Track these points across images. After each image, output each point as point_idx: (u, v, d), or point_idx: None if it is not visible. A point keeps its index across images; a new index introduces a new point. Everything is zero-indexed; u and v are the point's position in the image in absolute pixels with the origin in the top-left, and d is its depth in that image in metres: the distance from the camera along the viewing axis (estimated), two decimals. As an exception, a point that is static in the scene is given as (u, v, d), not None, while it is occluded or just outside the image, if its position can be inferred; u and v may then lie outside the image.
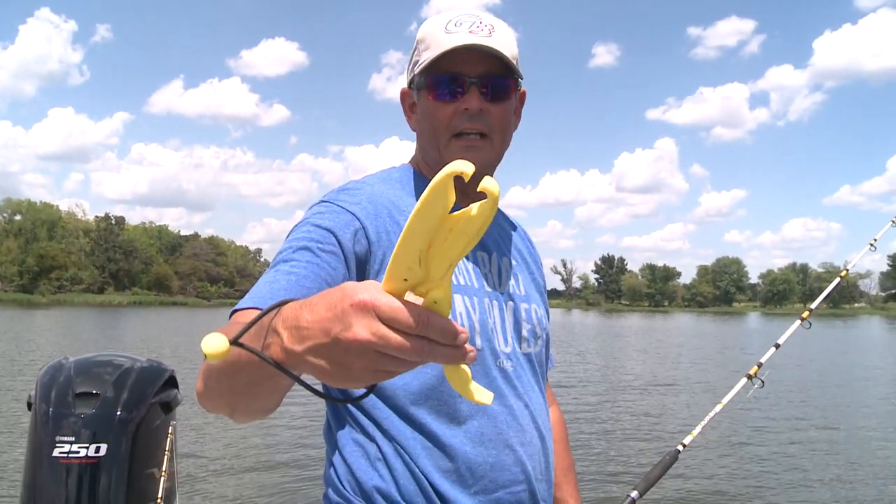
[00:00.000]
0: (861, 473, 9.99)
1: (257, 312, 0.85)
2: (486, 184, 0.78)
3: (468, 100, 1.43)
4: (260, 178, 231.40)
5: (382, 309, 0.74)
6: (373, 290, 0.75)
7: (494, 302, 1.48)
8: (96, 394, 2.79)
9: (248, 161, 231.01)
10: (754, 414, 13.85)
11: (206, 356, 0.75)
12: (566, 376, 20.58)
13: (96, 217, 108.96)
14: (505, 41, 1.44)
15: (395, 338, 0.73)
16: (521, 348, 1.53)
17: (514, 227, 1.75)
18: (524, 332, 1.55)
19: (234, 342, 0.78)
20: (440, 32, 1.44)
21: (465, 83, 1.43)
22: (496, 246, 1.59)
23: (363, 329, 0.74)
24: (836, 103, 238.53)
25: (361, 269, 1.35)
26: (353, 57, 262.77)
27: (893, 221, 2.38)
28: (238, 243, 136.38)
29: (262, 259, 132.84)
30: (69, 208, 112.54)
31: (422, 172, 1.57)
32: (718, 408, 1.75)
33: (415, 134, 1.60)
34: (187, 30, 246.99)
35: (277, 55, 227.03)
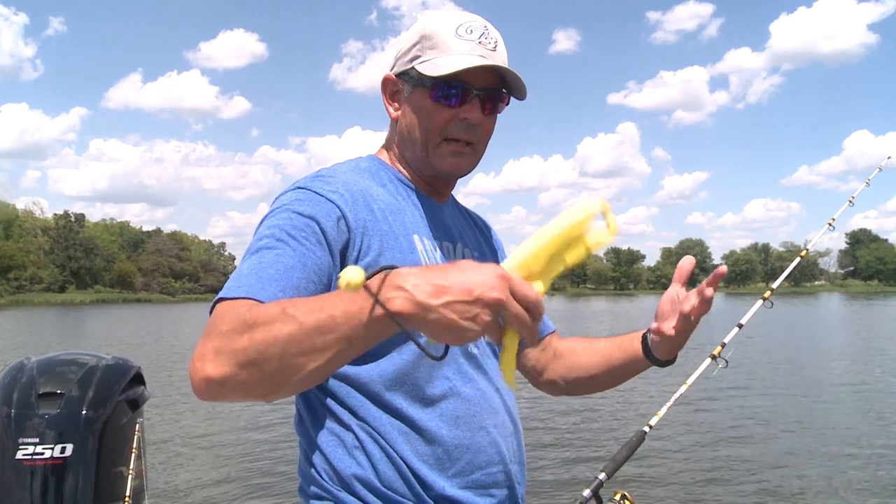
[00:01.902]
0: (825, 449, 10.20)
1: (250, 302, 1.13)
2: (613, 222, 1.10)
3: (469, 111, 1.45)
4: (222, 172, 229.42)
5: (516, 284, 1.01)
6: (507, 270, 1.03)
7: None
8: (60, 393, 2.74)
9: (210, 154, 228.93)
10: (719, 394, 14.09)
11: (347, 285, 0.95)
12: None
13: (55, 215, 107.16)
14: (504, 55, 1.49)
15: (519, 307, 1.00)
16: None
17: (474, 218, 1.77)
18: None
19: (368, 277, 0.98)
20: (451, 36, 1.44)
21: (469, 94, 1.44)
22: (459, 236, 1.61)
23: (502, 293, 0.98)
24: (794, 85, 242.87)
25: (342, 256, 1.34)
26: (313, 47, 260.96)
27: (850, 201, 2.42)
28: (202, 238, 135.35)
29: (226, 253, 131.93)
30: (26, 206, 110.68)
31: (392, 164, 1.56)
32: (683, 388, 1.77)
33: (388, 123, 1.58)
34: (144, 22, 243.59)
35: (237, 47, 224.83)
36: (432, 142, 1.47)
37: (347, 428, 1.38)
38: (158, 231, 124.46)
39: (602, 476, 1.57)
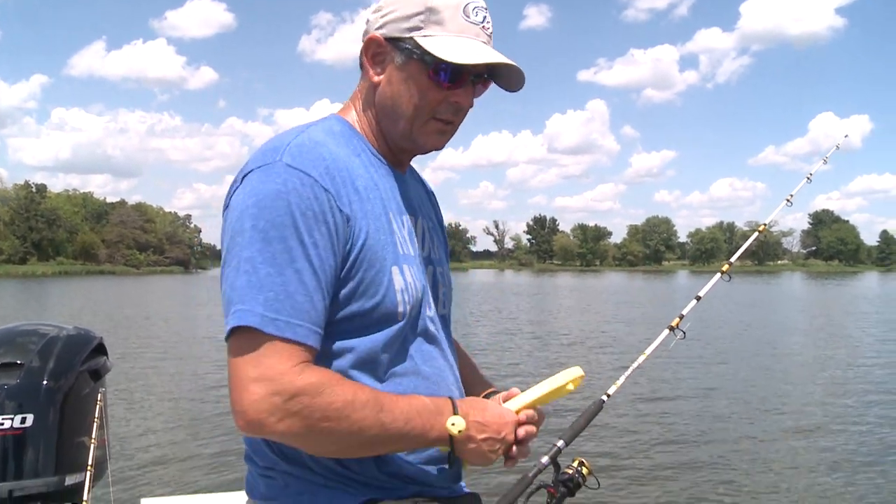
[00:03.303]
0: (779, 419, 10.46)
1: (301, 353, 1.25)
2: (574, 374, 1.53)
3: (462, 96, 1.43)
4: (188, 143, 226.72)
5: (522, 426, 1.46)
6: (514, 414, 1.46)
7: (422, 266, 1.49)
8: (20, 364, 2.71)
9: (176, 125, 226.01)
10: (679, 364, 14.32)
11: (459, 432, 1.34)
12: (497, 334, 20.87)
13: (15, 185, 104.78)
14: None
15: (529, 434, 1.46)
16: (437, 310, 1.54)
17: (426, 186, 1.73)
18: (440, 295, 1.57)
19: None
20: (458, 15, 1.40)
21: (465, 79, 1.42)
22: (419, 209, 1.58)
23: (512, 437, 1.43)
24: (762, 66, 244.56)
25: (343, 245, 1.31)
26: (281, 18, 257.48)
27: (808, 178, 2.46)
28: (167, 209, 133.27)
29: (191, 225, 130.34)
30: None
31: (361, 130, 1.49)
32: (641, 359, 1.80)
33: (363, 88, 1.50)
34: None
35: (204, 16, 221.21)
36: (420, 119, 1.43)
37: None
38: (123, 202, 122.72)
39: (560, 443, 1.59)
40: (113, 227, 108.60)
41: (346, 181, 1.34)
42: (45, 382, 2.71)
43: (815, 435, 9.62)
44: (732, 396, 12.12)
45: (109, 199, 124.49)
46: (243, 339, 1.23)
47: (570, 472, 1.59)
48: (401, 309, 1.37)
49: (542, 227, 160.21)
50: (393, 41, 1.41)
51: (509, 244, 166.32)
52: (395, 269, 1.37)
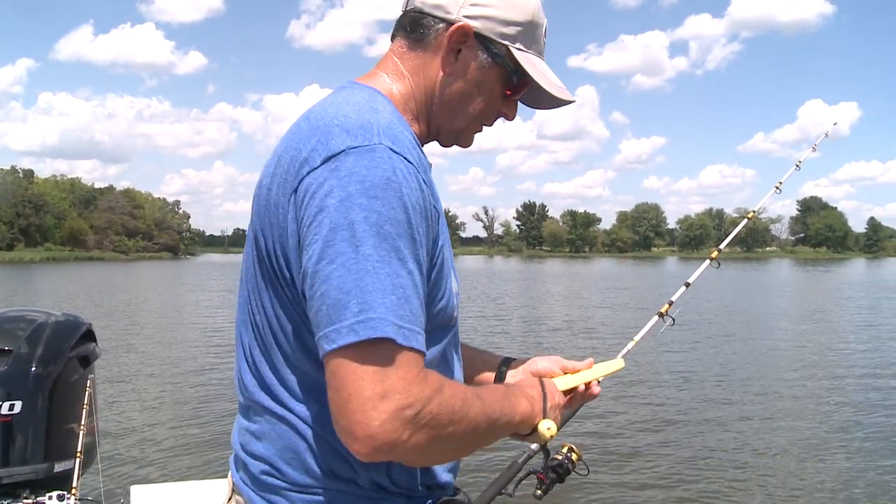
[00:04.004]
0: (766, 404, 10.52)
1: (419, 358, 1.11)
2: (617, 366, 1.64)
3: (511, 111, 1.45)
4: (177, 128, 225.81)
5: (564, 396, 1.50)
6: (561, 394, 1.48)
7: None
8: (8, 350, 2.70)
9: (165, 110, 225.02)
10: (669, 351, 14.40)
11: (552, 436, 1.39)
12: (485, 318, 20.89)
13: (1, 170, 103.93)
14: None
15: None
16: None
17: None
18: None
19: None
20: (541, 35, 1.40)
21: (522, 94, 1.43)
22: None
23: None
24: (752, 53, 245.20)
25: (434, 244, 1.20)
26: (270, 3, 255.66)
27: (797, 165, 2.47)
28: (156, 195, 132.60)
29: (180, 211, 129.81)
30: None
31: (402, 113, 1.33)
32: (630, 345, 1.80)
33: (417, 67, 1.36)
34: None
35: (193, 0, 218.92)
36: (476, 121, 1.41)
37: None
38: (111, 188, 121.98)
39: (550, 429, 1.59)
40: (101, 212, 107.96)
41: (428, 175, 1.22)
42: (33, 369, 2.70)
43: (804, 418, 9.71)
44: (721, 382, 12.21)
45: (98, 185, 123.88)
46: (368, 350, 1.06)
47: (560, 458, 1.59)
48: (455, 314, 1.32)
49: (531, 214, 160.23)
50: (482, 39, 1.32)
51: (499, 230, 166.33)
52: (452, 272, 1.31)
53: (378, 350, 1.07)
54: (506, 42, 1.33)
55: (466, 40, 1.31)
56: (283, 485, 1.27)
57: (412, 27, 1.35)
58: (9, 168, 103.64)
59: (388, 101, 1.30)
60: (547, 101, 1.44)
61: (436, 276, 1.21)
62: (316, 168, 1.13)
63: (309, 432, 1.20)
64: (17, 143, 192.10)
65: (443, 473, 1.37)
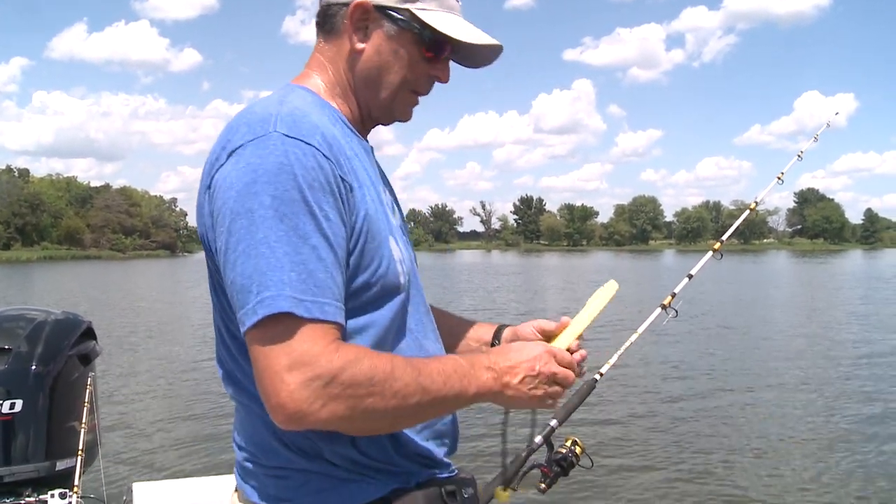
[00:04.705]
0: (770, 398, 10.54)
1: (331, 331, 1.16)
2: (612, 290, 1.63)
3: (443, 71, 1.44)
4: (173, 126, 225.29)
5: (560, 357, 1.39)
6: (551, 346, 1.41)
7: (406, 236, 1.48)
8: (8, 349, 2.70)
9: (160, 108, 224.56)
10: (670, 343, 14.41)
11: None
12: (483, 311, 20.91)
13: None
14: None
15: (567, 373, 1.39)
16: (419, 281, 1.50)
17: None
18: (415, 266, 1.52)
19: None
20: None
21: (447, 54, 1.43)
22: (384, 180, 1.52)
23: (554, 367, 1.37)
24: (748, 45, 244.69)
25: (350, 215, 1.25)
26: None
27: (799, 155, 2.46)
28: (152, 193, 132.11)
29: (177, 208, 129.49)
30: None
31: (328, 99, 1.41)
32: (634, 337, 1.80)
33: (334, 54, 1.42)
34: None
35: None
36: (402, 91, 1.42)
37: None
38: (107, 186, 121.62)
39: (553, 422, 1.60)
40: (98, 211, 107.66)
41: (340, 149, 1.27)
42: (33, 367, 2.70)
43: (809, 411, 9.72)
44: (724, 373, 12.23)
45: (94, 184, 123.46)
46: (270, 326, 1.13)
47: (564, 451, 1.59)
48: (402, 280, 1.34)
49: (528, 208, 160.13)
50: (382, 9, 1.37)
51: (496, 224, 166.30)
52: (391, 239, 1.34)
53: (280, 326, 1.13)
54: (406, 6, 1.36)
55: (368, 15, 1.37)
56: (261, 470, 1.33)
57: (324, 21, 1.43)
58: (4, 168, 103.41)
59: (309, 92, 1.39)
60: (479, 55, 1.47)
61: (363, 245, 1.26)
62: (223, 165, 1.22)
63: (269, 416, 1.21)
64: (12, 142, 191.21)
65: (422, 443, 1.37)
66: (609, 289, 1.60)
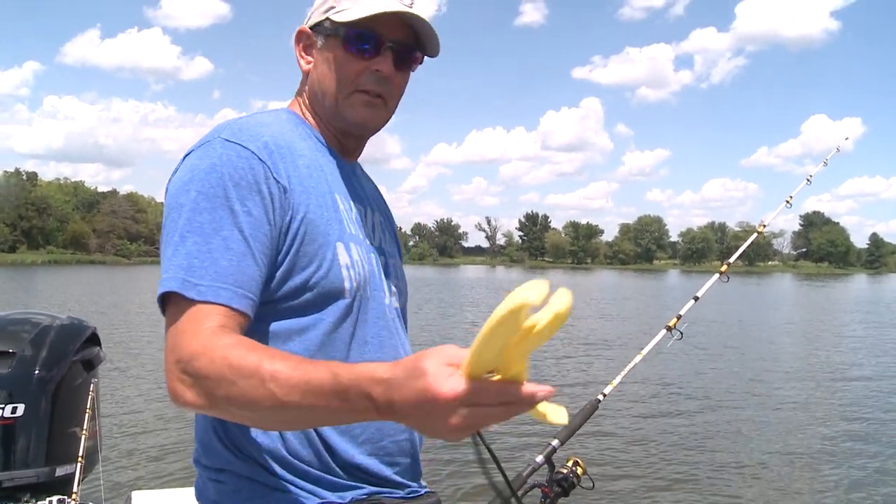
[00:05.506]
0: (775, 420, 10.48)
1: (221, 311, 1.17)
2: (563, 302, 0.95)
3: (382, 63, 1.42)
4: (182, 133, 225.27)
5: (466, 397, 0.88)
6: (452, 380, 0.89)
7: (373, 255, 1.47)
8: (12, 352, 2.70)
9: (170, 115, 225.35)
10: (674, 364, 14.35)
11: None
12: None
13: (6, 172, 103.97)
14: (425, 10, 1.44)
15: (481, 416, 0.90)
16: (391, 302, 1.50)
17: (375, 186, 1.71)
18: (392, 287, 1.53)
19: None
20: None
21: (382, 45, 1.41)
22: (368, 200, 1.57)
23: (455, 418, 0.90)
24: (757, 68, 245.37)
25: (280, 216, 1.29)
26: (277, 9, 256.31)
27: (808, 179, 2.47)
28: (158, 200, 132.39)
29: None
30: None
31: (305, 118, 1.51)
32: (638, 358, 1.80)
33: (301, 82, 1.55)
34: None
35: (200, 6, 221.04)
36: (343, 92, 1.44)
37: None
38: (114, 192, 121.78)
39: (555, 442, 1.60)
40: (104, 216, 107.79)
41: (286, 157, 1.33)
42: (37, 372, 2.70)
43: (812, 433, 9.66)
44: (728, 396, 12.16)
45: (101, 189, 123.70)
46: (170, 308, 1.21)
47: (565, 471, 1.59)
48: (347, 285, 1.34)
49: (533, 224, 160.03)
50: (315, 27, 1.47)
51: (501, 240, 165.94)
52: (339, 245, 1.35)
53: (174, 307, 1.20)
54: (326, 15, 1.44)
55: (309, 40, 1.50)
56: (204, 472, 1.39)
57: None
58: (13, 170, 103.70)
59: (290, 112, 1.51)
60: (427, 43, 1.47)
61: (299, 246, 1.30)
62: (177, 169, 1.33)
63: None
64: (21, 145, 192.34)
65: (362, 456, 1.35)
66: (528, 290, 0.91)
